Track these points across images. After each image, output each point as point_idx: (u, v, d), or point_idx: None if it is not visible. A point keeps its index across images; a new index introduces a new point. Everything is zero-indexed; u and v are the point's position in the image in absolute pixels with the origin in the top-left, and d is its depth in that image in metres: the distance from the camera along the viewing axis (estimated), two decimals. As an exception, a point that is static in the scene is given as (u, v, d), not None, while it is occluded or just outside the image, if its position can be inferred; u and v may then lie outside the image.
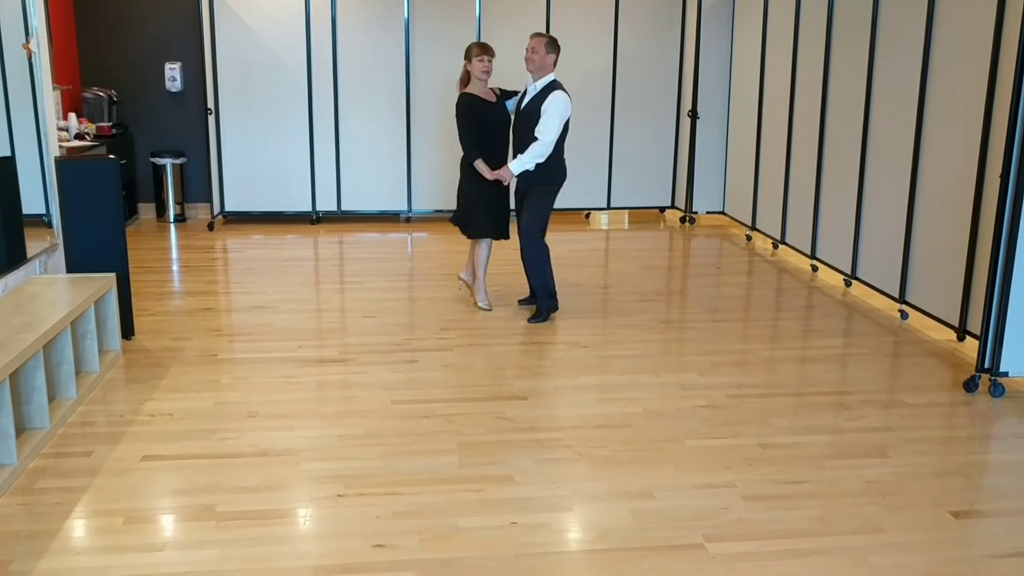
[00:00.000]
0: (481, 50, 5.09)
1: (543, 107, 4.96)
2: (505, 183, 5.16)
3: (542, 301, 5.23)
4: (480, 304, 5.44)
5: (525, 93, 5.15)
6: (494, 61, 5.15)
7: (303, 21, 7.82)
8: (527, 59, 5.05)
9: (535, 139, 4.98)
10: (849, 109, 5.86)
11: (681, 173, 8.51)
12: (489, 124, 5.14)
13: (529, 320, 5.19)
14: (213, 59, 7.77)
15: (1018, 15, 4.12)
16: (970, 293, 4.60)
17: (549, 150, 4.99)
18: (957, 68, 4.71)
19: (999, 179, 3.97)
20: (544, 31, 7.99)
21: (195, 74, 8.13)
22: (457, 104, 5.13)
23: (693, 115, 8.17)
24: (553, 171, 5.11)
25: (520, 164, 5.03)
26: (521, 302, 5.51)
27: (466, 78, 5.18)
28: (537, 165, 5.05)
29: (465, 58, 5.17)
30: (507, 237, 5.38)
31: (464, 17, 7.99)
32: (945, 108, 4.82)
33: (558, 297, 5.37)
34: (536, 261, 5.17)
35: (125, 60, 8.16)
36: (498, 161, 5.17)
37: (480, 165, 5.07)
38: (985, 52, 4.45)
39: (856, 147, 5.77)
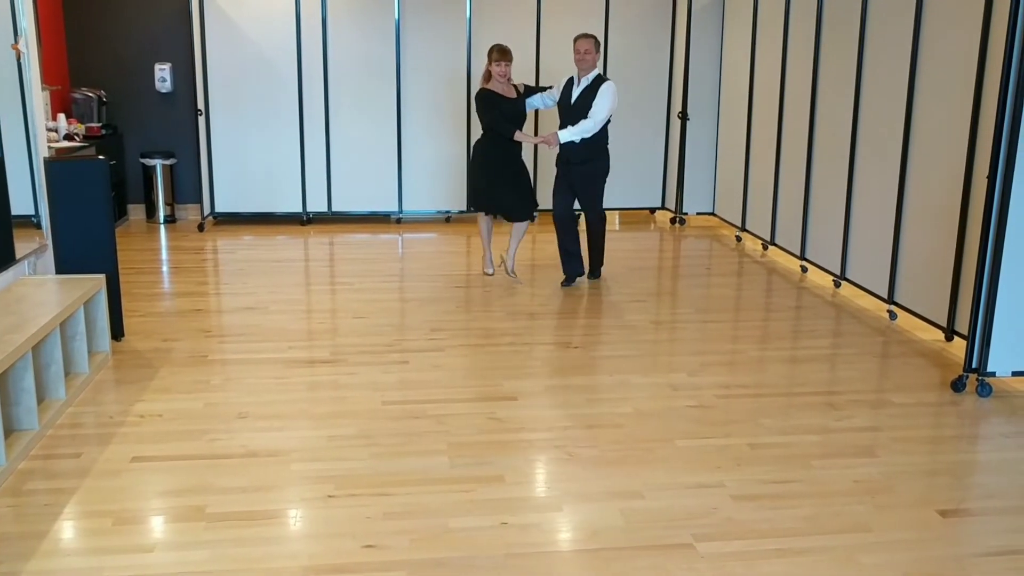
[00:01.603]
0: (500, 55, 5.68)
1: (599, 91, 5.62)
2: (549, 147, 5.86)
3: (599, 265, 6.16)
4: (486, 270, 6.21)
5: (570, 87, 5.78)
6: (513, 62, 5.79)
7: (293, 21, 7.81)
8: (581, 60, 5.68)
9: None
10: (838, 111, 5.89)
11: (671, 174, 8.53)
12: (506, 117, 5.71)
13: (588, 278, 6.13)
14: (203, 60, 7.75)
15: (1004, 19, 4.14)
16: (958, 294, 4.63)
17: (596, 128, 5.65)
18: (945, 70, 4.74)
19: (986, 180, 4.00)
20: (539, 37, 8.03)
21: (185, 75, 8.11)
22: (476, 98, 5.81)
23: (683, 116, 8.19)
24: (607, 159, 5.88)
25: (568, 134, 5.67)
26: (564, 284, 6.04)
27: (487, 75, 5.78)
28: (597, 154, 5.76)
29: (487, 57, 5.75)
30: (514, 219, 5.97)
31: (455, 17, 7.99)
32: (934, 110, 4.85)
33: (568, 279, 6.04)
34: (603, 233, 6.12)
35: (115, 61, 8.13)
36: (512, 151, 5.82)
37: (520, 135, 5.75)
38: (972, 55, 4.48)
39: (845, 149, 5.80)
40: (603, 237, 6.13)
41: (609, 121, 5.74)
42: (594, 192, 5.91)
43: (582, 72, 5.71)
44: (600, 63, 5.78)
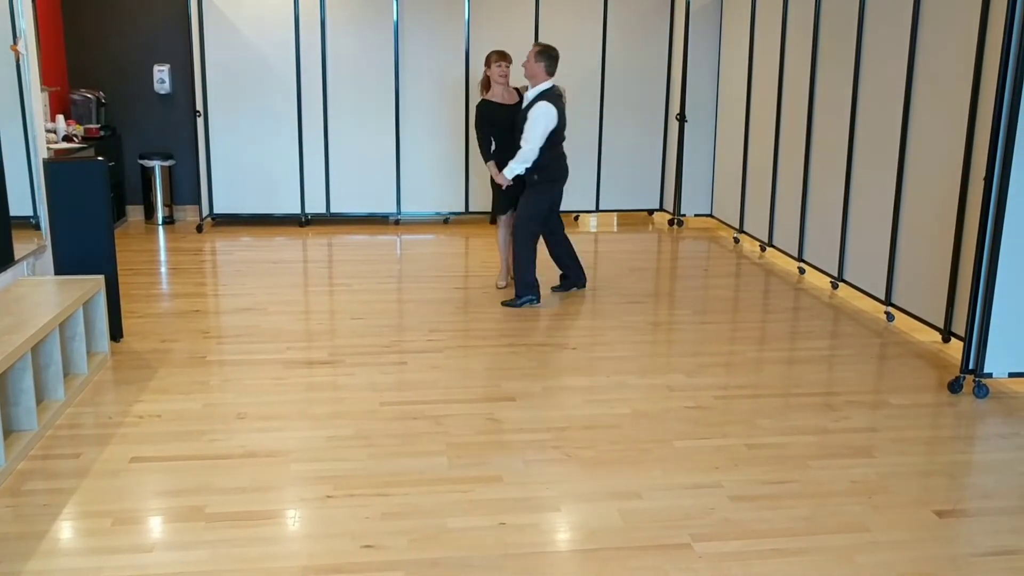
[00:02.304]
0: (499, 57, 5.59)
1: (528, 115, 5.31)
2: (502, 186, 5.53)
3: (519, 288, 5.54)
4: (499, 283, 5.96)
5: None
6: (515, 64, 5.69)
7: (292, 22, 7.82)
8: (523, 66, 5.46)
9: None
10: (835, 113, 5.90)
11: (669, 176, 8.54)
12: (504, 126, 5.56)
13: (502, 303, 5.57)
14: (202, 61, 7.76)
15: (1001, 21, 4.16)
16: (955, 295, 4.64)
17: (532, 155, 5.33)
18: (942, 72, 4.75)
19: (983, 182, 4.01)
20: (536, 39, 8.05)
21: (183, 76, 8.12)
22: (475, 109, 5.71)
23: (681, 118, 8.20)
24: (551, 171, 5.46)
25: (510, 170, 5.41)
26: (554, 289, 5.87)
27: (486, 82, 5.69)
28: (536, 168, 5.39)
29: (485, 64, 5.69)
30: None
31: (454, 19, 8.00)
32: (930, 112, 4.87)
33: (539, 292, 5.61)
34: (519, 254, 5.50)
35: (113, 62, 8.14)
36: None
37: (490, 166, 5.60)
38: (969, 57, 4.49)
39: (843, 150, 5.81)
40: (519, 250, 5.48)
41: (560, 139, 5.39)
42: (527, 197, 5.46)
43: (530, 83, 5.43)
44: (551, 72, 5.38)
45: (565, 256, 5.80)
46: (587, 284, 5.99)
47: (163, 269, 6.53)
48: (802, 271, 6.51)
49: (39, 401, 3.71)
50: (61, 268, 4.57)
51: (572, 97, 8.20)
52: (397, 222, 8.35)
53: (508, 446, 3.52)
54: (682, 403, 4.00)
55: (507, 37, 7.84)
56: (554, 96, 5.34)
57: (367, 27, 7.92)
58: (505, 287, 5.87)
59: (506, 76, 5.63)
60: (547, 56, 5.33)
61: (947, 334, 4.73)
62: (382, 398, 4.01)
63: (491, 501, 3.07)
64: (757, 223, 7.24)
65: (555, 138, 5.36)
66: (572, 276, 5.87)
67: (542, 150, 5.33)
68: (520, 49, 7.96)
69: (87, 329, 4.36)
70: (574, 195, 8.48)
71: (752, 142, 7.34)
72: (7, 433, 3.41)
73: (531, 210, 5.47)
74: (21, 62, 4.45)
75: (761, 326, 5.24)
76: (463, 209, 8.32)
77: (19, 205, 4.41)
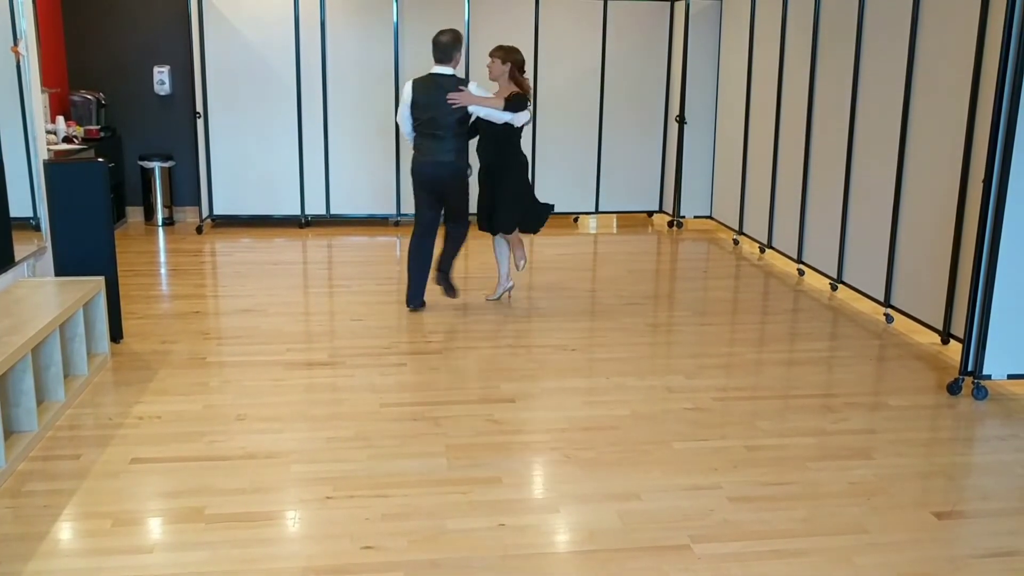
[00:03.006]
0: (492, 52, 5.42)
1: None
2: None
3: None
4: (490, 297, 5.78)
5: None
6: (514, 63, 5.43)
7: (292, 24, 7.83)
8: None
9: None
10: (835, 115, 5.91)
11: (669, 178, 8.55)
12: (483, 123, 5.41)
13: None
14: (202, 62, 7.76)
15: (1000, 24, 4.17)
16: (954, 297, 4.65)
17: (400, 126, 5.35)
18: (941, 75, 4.76)
19: (982, 184, 4.02)
20: (536, 40, 8.05)
21: (184, 77, 8.13)
22: None
23: (681, 120, 8.21)
24: (414, 155, 5.36)
25: None
26: (488, 298, 5.75)
27: None
28: None
29: None
30: (531, 231, 5.70)
31: (454, 20, 8.00)
32: (930, 114, 4.88)
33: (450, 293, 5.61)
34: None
35: (113, 63, 8.14)
36: (496, 156, 5.38)
37: None
38: (968, 60, 4.50)
39: (842, 152, 5.82)
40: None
41: (417, 116, 5.23)
42: None
43: None
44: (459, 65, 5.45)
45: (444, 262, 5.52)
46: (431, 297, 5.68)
47: (163, 270, 6.53)
48: (801, 273, 6.52)
49: (39, 402, 3.71)
50: (61, 269, 4.58)
51: (572, 97, 8.23)
52: (397, 223, 8.36)
53: (507, 447, 3.53)
54: (681, 404, 4.00)
55: (507, 38, 7.82)
56: (424, 80, 5.29)
57: (367, 27, 7.93)
58: (496, 299, 5.71)
59: (490, 73, 5.43)
60: (432, 43, 5.40)
61: (946, 336, 4.73)
62: (382, 399, 4.01)
63: (490, 502, 3.07)
64: (756, 225, 7.25)
65: (415, 119, 5.25)
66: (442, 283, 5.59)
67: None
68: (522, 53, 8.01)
69: (87, 330, 4.37)
70: (574, 196, 8.49)
71: (751, 144, 7.34)
72: (7, 434, 3.41)
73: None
74: (21, 63, 4.46)
75: (760, 328, 5.24)
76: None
77: (19, 206, 4.42)
